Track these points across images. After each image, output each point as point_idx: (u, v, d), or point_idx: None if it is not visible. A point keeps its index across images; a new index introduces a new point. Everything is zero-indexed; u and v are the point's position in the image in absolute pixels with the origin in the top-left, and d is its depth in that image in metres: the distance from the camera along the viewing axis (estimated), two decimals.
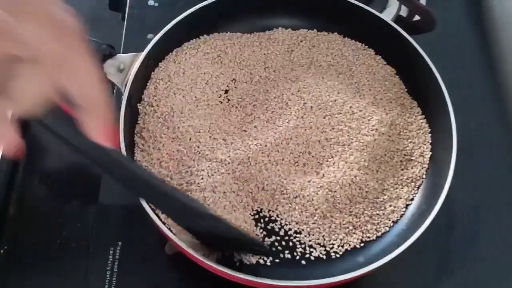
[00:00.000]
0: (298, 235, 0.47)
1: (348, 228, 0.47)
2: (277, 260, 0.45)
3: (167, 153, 0.47)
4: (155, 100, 0.50)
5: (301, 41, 0.57)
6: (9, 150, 0.30)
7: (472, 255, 0.51)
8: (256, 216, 0.47)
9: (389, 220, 0.47)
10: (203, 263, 0.42)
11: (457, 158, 0.46)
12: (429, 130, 0.51)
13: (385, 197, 0.48)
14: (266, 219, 0.47)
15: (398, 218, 0.48)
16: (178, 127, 0.48)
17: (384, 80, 0.54)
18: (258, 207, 0.47)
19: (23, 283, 0.48)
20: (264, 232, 0.47)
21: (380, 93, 0.53)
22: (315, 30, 0.57)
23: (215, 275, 0.42)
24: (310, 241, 0.46)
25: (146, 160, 0.47)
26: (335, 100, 0.51)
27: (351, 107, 0.50)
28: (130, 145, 0.48)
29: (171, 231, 0.42)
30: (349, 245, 0.46)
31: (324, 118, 0.50)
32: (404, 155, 0.50)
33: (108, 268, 0.47)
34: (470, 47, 0.65)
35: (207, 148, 0.48)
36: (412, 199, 0.48)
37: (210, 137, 0.49)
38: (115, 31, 0.60)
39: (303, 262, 0.45)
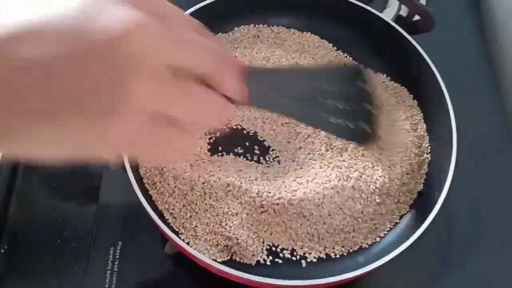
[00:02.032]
0: None
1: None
2: (277, 260, 0.45)
3: None
4: None
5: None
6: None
7: (472, 255, 0.51)
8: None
9: (389, 221, 0.47)
10: (203, 262, 0.42)
11: (457, 158, 0.46)
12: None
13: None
14: None
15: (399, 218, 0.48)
16: None
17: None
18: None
19: (23, 283, 0.48)
20: None
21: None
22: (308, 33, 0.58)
23: (215, 274, 0.42)
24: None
25: None
26: None
27: None
28: None
29: (170, 231, 0.42)
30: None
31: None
32: None
33: (108, 268, 0.47)
34: (470, 47, 0.65)
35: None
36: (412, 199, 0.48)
37: None
38: None
39: (303, 262, 0.45)
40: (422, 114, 0.52)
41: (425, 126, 0.51)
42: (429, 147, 0.50)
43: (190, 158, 0.38)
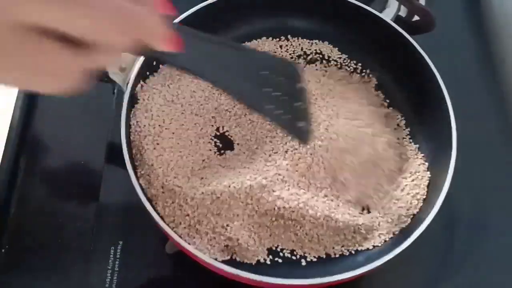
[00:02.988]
0: None
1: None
2: (277, 259, 0.45)
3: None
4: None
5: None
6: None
7: (472, 255, 0.51)
8: None
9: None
10: (203, 262, 0.42)
11: (457, 158, 0.46)
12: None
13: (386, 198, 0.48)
14: None
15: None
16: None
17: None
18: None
19: (23, 283, 0.48)
20: None
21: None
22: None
23: (215, 274, 0.42)
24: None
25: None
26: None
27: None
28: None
29: (171, 230, 0.42)
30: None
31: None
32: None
33: (108, 267, 0.47)
34: (470, 47, 0.65)
35: None
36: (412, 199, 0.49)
37: None
38: None
39: (303, 261, 0.46)
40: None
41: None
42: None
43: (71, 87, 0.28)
